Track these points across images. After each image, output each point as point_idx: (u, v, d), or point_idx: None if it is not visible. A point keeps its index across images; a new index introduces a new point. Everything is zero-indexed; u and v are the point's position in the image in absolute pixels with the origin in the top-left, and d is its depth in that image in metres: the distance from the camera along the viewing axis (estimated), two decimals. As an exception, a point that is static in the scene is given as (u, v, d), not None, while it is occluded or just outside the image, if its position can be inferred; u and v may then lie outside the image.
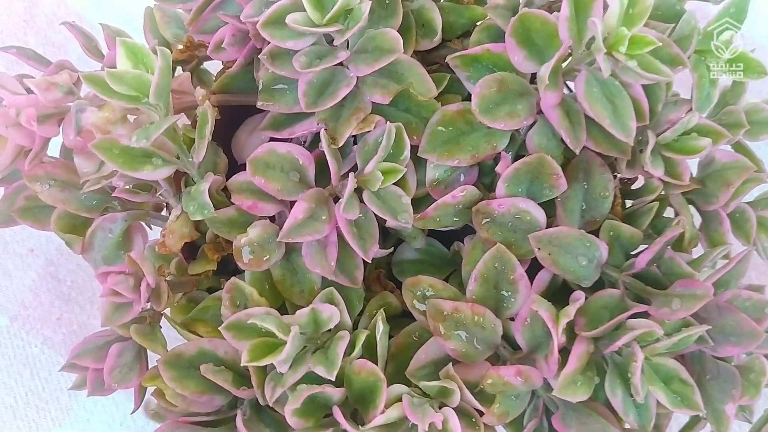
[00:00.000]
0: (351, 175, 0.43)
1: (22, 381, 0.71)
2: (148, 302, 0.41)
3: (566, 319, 0.41)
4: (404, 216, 0.44)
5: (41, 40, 0.79)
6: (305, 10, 0.41)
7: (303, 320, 0.41)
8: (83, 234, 0.49)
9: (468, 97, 0.48)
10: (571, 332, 0.42)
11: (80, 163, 0.48)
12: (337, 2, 0.41)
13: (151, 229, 0.53)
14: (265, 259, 0.45)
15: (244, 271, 0.51)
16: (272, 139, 0.51)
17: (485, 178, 0.48)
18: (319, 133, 0.47)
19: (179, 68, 0.56)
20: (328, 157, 0.43)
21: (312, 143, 0.50)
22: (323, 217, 0.44)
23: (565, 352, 0.41)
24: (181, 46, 0.53)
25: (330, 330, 0.43)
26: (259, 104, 0.47)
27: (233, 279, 0.44)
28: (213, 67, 0.57)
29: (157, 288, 0.42)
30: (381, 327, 0.43)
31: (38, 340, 0.72)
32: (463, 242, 0.49)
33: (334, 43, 0.44)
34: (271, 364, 0.41)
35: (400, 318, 0.49)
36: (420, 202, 0.47)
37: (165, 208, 0.53)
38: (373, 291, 0.50)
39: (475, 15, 0.50)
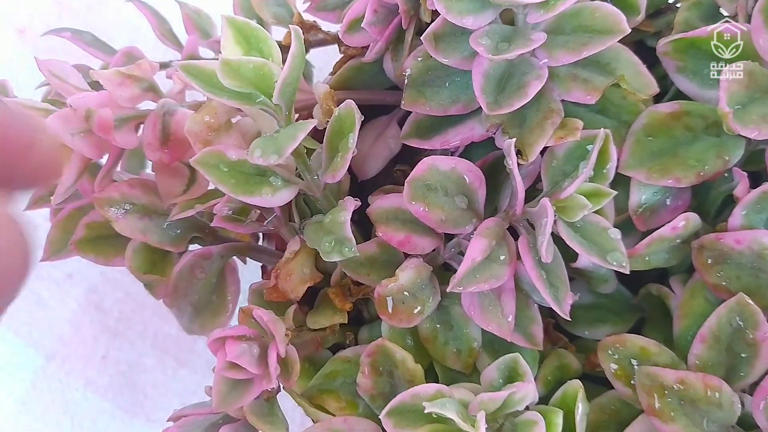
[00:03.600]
0: (547, 201, 0.31)
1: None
2: (277, 378, 0.29)
3: None
4: (615, 256, 0.32)
5: (79, 27, 0.67)
6: (495, -25, 0.30)
7: (492, 404, 0.30)
8: (163, 273, 0.38)
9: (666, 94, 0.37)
10: None
11: (165, 181, 0.36)
12: (541, -37, 0.29)
13: (245, 263, 0.41)
14: (416, 311, 0.34)
15: (369, 320, 0.40)
16: (409, 151, 0.40)
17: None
18: (475, 142, 0.36)
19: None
20: (515, 177, 0.32)
21: (464, 154, 0.38)
22: (502, 258, 0.33)
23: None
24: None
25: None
26: (404, 105, 0.35)
27: (381, 342, 0.33)
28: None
29: (287, 358, 0.30)
30: (581, 408, 0.32)
31: (80, 382, 0.60)
32: (660, 283, 0.38)
33: (520, 22, 0.32)
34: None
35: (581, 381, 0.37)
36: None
37: (261, 238, 0.42)
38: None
39: (672, -13, 0.39)
